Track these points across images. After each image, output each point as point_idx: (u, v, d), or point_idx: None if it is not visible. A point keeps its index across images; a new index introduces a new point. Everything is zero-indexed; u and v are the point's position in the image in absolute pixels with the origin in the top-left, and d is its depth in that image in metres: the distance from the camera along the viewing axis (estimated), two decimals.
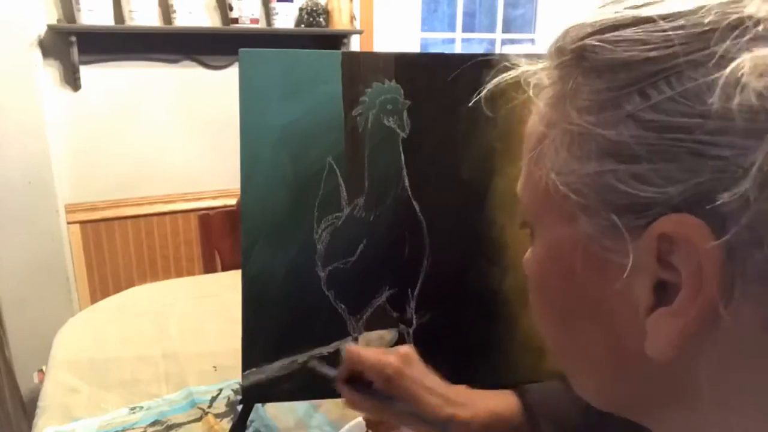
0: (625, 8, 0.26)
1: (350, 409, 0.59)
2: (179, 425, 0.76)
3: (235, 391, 0.82)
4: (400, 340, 0.70)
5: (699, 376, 0.26)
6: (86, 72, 1.93)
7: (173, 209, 2.13)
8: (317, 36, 2.19)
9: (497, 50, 2.81)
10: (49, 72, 1.89)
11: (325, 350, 0.68)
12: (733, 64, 0.22)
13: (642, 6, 0.26)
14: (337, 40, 2.21)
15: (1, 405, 1.64)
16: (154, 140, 2.08)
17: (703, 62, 0.23)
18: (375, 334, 0.69)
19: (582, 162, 0.26)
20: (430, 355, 0.70)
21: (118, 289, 1.63)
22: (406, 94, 0.67)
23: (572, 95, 0.27)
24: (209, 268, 1.49)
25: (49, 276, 1.92)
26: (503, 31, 2.79)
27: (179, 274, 2.15)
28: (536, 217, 0.32)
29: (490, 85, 0.38)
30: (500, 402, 0.58)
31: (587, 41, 0.27)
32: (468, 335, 0.72)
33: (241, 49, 0.65)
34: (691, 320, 0.24)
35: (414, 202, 0.69)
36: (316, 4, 2.11)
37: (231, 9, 2.01)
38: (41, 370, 1.84)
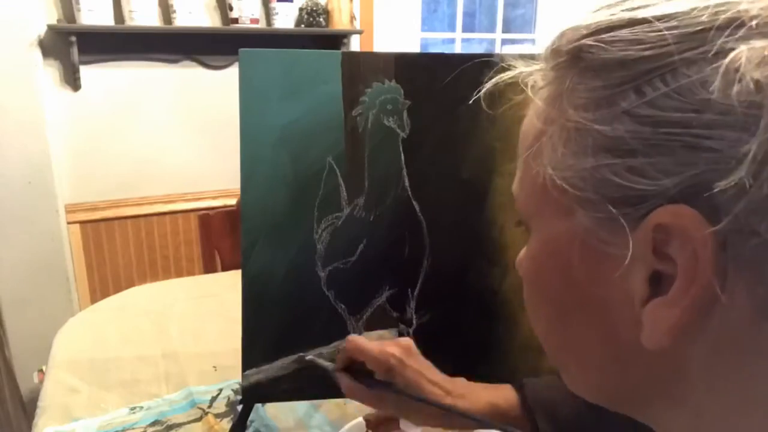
0: (621, 10, 0.27)
1: (349, 398, 0.61)
2: (179, 425, 0.76)
3: (235, 391, 0.82)
4: None
5: (693, 365, 0.27)
6: (86, 72, 1.93)
7: (173, 209, 2.13)
8: (317, 36, 2.19)
9: (497, 50, 2.81)
10: (49, 72, 1.89)
11: (325, 350, 0.68)
12: (731, 54, 0.23)
13: (636, 9, 0.26)
14: (337, 40, 2.21)
15: (1, 405, 1.64)
16: (154, 140, 2.08)
17: (697, 60, 0.24)
18: (375, 334, 0.69)
19: (579, 157, 0.27)
20: (431, 354, 0.70)
21: (118, 289, 1.63)
22: (406, 94, 0.67)
23: (569, 94, 0.28)
24: (209, 268, 1.49)
25: (49, 276, 1.92)
26: (503, 31, 2.79)
27: (179, 274, 2.15)
28: (533, 214, 0.32)
29: (487, 86, 0.38)
30: (498, 395, 0.59)
31: (583, 42, 0.27)
32: (468, 335, 0.72)
33: (241, 49, 0.65)
34: (686, 309, 0.25)
35: (414, 202, 0.69)
36: (316, 4, 2.11)
37: (231, 9, 2.01)
38: (41, 370, 1.84)
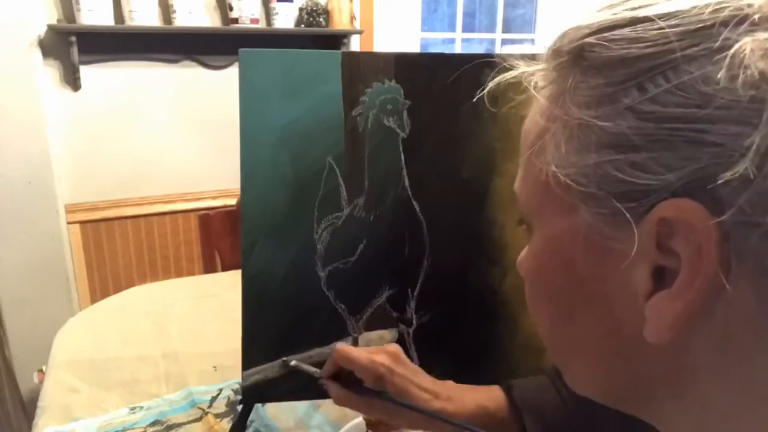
0: (622, 10, 0.27)
1: (338, 404, 0.61)
2: (179, 425, 0.76)
3: (235, 391, 0.82)
4: (400, 340, 0.70)
5: (697, 358, 0.27)
6: (86, 72, 1.93)
7: (173, 209, 2.13)
8: (317, 36, 2.19)
9: (497, 50, 2.81)
10: (49, 72, 1.89)
11: (325, 350, 0.68)
12: (736, 46, 0.23)
13: (638, 8, 0.27)
14: (337, 40, 2.21)
15: (1, 405, 1.64)
16: (154, 140, 2.08)
17: (698, 56, 0.24)
18: (375, 334, 0.69)
19: (582, 154, 0.27)
20: (430, 355, 0.70)
21: (118, 289, 1.63)
22: (406, 94, 0.67)
23: (571, 92, 0.28)
24: (209, 268, 1.49)
25: (49, 276, 1.92)
26: (503, 31, 2.79)
27: (179, 274, 2.15)
28: (535, 212, 0.33)
29: (488, 86, 0.39)
30: (486, 396, 0.60)
31: (585, 41, 0.28)
32: (468, 335, 0.72)
33: (241, 49, 0.65)
34: (690, 302, 0.25)
35: (414, 202, 0.69)
36: (316, 4, 2.11)
37: (231, 9, 2.01)
38: (41, 370, 1.84)
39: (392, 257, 0.69)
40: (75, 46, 1.84)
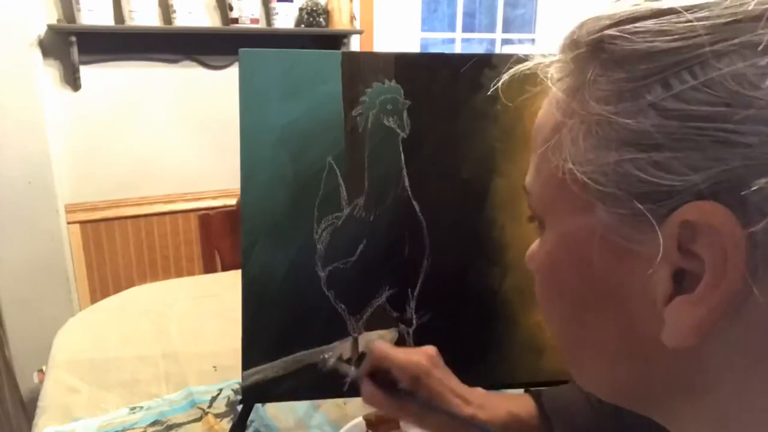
0: (644, 1, 0.26)
1: (368, 405, 0.59)
2: (179, 425, 0.76)
3: (235, 391, 0.82)
4: (400, 340, 0.70)
5: (715, 364, 0.26)
6: (86, 72, 1.93)
7: (173, 209, 2.13)
8: (317, 36, 2.19)
9: (497, 50, 2.81)
10: (49, 72, 1.89)
11: (326, 349, 0.68)
12: None
13: None
14: (337, 40, 2.21)
15: (1, 405, 1.64)
16: (154, 140, 2.08)
17: (728, 52, 0.23)
18: (375, 334, 0.69)
19: (601, 151, 0.26)
20: None
21: (118, 289, 1.63)
22: (406, 94, 0.67)
23: (590, 86, 0.27)
24: (209, 268, 1.49)
25: (49, 276, 1.92)
26: (503, 31, 2.79)
27: (179, 274, 2.15)
28: (548, 209, 0.32)
29: (505, 77, 0.37)
30: (517, 404, 0.59)
31: (606, 33, 0.26)
32: (468, 335, 0.71)
33: (241, 49, 0.65)
34: (713, 308, 0.24)
35: (414, 202, 0.69)
36: (316, 4, 2.11)
37: (231, 9, 2.01)
38: (41, 370, 1.84)
39: (392, 257, 0.69)
40: (75, 46, 1.84)
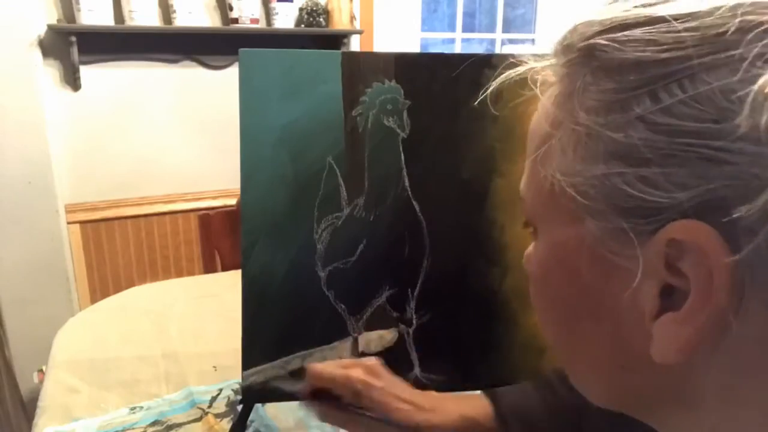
0: (634, 6, 0.25)
1: (322, 422, 0.60)
2: (179, 425, 0.76)
3: (235, 391, 0.82)
4: (400, 340, 0.70)
5: (705, 379, 0.26)
6: (86, 72, 1.93)
7: (173, 209, 2.13)
8: (317, 36, 2.19)
9: (497, 50, 2.81)
10: (49, 72, 1.89)
11: (326, 349, 0.68)
12: (760, 81, 0.21)
13: (653, 5, 0.25)
14: (337, 40, 2.21)
15: (1, 405, 1.64)
16: (154, 140, 2.08)
17: (718, 66, 0.23)
18: (375, 334, 0.69)
19: (589, 163, 0.26)
20: (430, 355, 0.70)
21: (118, 289, 1.63)
22: (406, 94, 0.67)
23: (580, 95, 0.27)
24: (209, 268, 1.49)
25: (49, 276, 1.92)
26: (503, 31, 2.79)
27: (179, 274, 2.15)
28: (540, 217, 0.31)
29: (496, 82, 0.37)
30: (471, 405, 0.58)
31: (596, 40, 0.26)
32: (468, 335, 0.71)
33: (241, 49, 0.65)
34: (700, 327, 0.24)
35: (414, 202, 0.69)
36: (316, 4, 2.11)
37: (231, 9, 2.01)
38: (41, 370, 1.84)
39: (392, 257, 0.69)
40: (75, 46, 1.84)
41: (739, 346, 0.24)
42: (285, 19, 2.07)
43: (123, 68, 1.99)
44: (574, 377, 0.33)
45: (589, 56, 0.26)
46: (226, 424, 0.75)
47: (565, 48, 0.28)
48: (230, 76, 2.11)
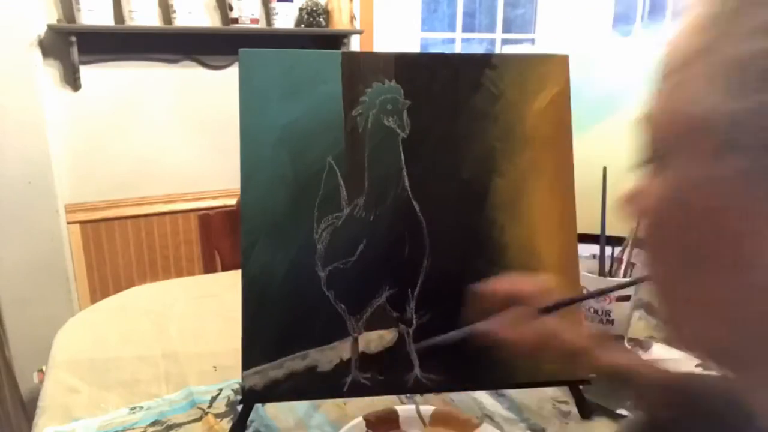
0: None
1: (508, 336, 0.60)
2: (179, 425, 0.76)
3: (235, 391, 0.82)
4: (400, 340, 0.70)
5: None
6: (86, 72, 1.93)
7: (173, 209, 2.13)
8: (317, 36, 2.19)
9: (497, 50, 2.81)
10: (49, 72, 1.89)
11: (326, 349, 0.68)
12: None
13: None
14: (337, 40, 2.21)
15: (1, 405, 1.64)
16: (154, 140, 2.08)
17: None
18: (375, 334, 0.69)
19: (740, 94, 0.23)
20: (430, 355, 0.70)
21: (118, 289, 1.63)
22: (406, 94, 0.67)
23: (732, 17, 0.24)
24: (209, 268, 1.49)
25: (49, 276, 1.92)
26: (503, 31, 2.79)
27: (179, 274, 2.16)
28: (670, 150, 0.28)
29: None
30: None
31: None
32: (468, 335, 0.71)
33: (241, 49, 0.65)
34: None
35: (414, 202, 0.69)
36: (316, 4, 2.11)
37: (231, 9, 2.01)
38: (41, 370, 1.84)
39: (392, 257, 0.69)
40: (75, 46, 1.84)
41: None
42: (285, 19, 2.07)
43: (123, 68, 1.99)
44: (679, 332, 0.31)
45: None
46: (226, 424, 0.75)
47: None
48: (230, 76, 2.12)
